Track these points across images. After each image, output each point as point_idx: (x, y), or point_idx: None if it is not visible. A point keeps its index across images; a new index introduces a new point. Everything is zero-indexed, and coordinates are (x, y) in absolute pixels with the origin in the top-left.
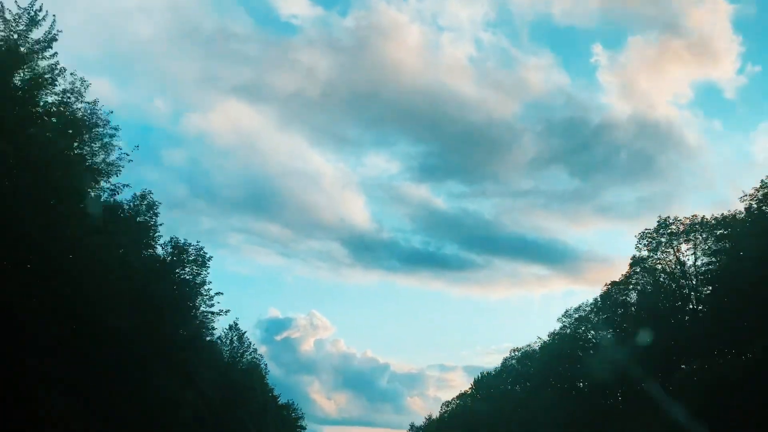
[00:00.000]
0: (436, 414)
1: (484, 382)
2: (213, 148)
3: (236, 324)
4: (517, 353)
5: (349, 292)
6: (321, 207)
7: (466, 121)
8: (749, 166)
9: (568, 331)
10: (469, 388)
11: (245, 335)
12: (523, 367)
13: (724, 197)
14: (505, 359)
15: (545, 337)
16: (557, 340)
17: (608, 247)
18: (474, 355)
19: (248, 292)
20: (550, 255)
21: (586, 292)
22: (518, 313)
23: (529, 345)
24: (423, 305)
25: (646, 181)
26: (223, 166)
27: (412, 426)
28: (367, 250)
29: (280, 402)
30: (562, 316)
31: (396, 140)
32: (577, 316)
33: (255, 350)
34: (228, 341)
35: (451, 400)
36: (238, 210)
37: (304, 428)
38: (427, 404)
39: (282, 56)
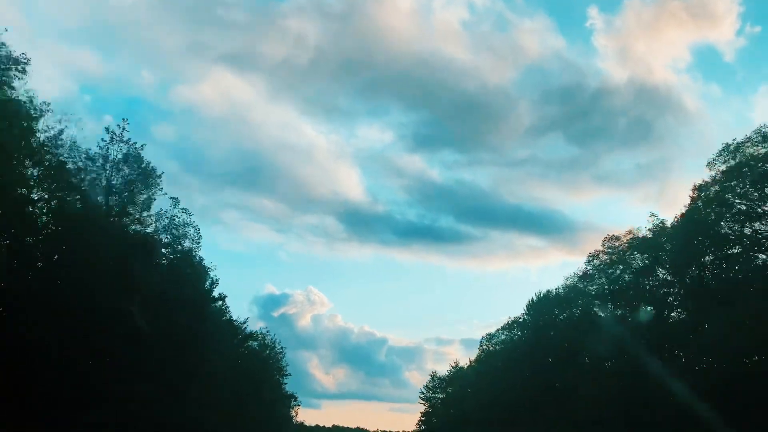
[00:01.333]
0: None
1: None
2: (203, 121)
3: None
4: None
5: (345, 267)
6: (315, 180)
7: (461, 88)
8: (749, 131)
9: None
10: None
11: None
12: None
13: None
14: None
15: None
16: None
17: (606, 216)
18: (471, 329)
19: (244, 269)
20: (546, 226)
21: (583, 263)
22: (515, 285)
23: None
24: (419, 279)
25: (645, 148)
26: (214, 140)
27: (433, 376)
28: (362, 224)
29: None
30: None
31: (389, 109)
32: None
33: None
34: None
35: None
36: (231, 185)
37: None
38: (425, 377)
39: (270, 23)
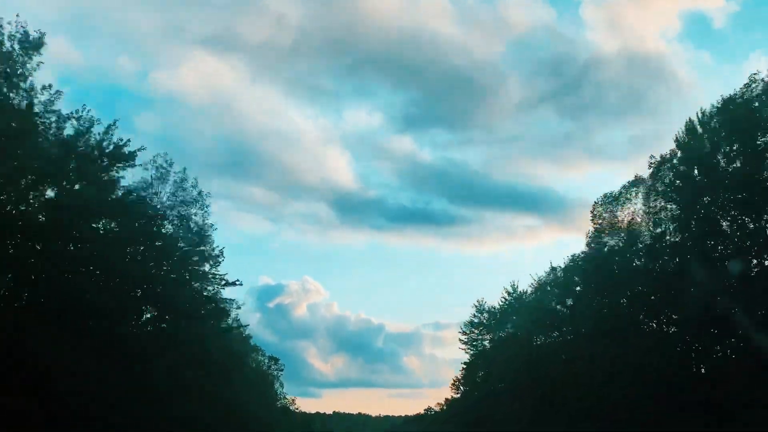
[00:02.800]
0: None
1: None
2: (185, 109)
3: None
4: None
5: (339, 254)
6: (304, 167)
7: (448, 65)
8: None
9: None
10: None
11: None
12: None
13: None
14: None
15: None
16: None
17: (599, 192)
18: (469, 312)
19: (237, 260)
20: (540, 204)
21: (577, 241)
22: (510, 266)
23: None
24: (414, 263)
25: (637, 120)
26: (199, 128)
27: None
28: (353, 210)
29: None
30: None
31: (376, 89)
32: None
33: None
34: None
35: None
36: (218, 175)
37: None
38: (424, 363)
39: (250, 2)
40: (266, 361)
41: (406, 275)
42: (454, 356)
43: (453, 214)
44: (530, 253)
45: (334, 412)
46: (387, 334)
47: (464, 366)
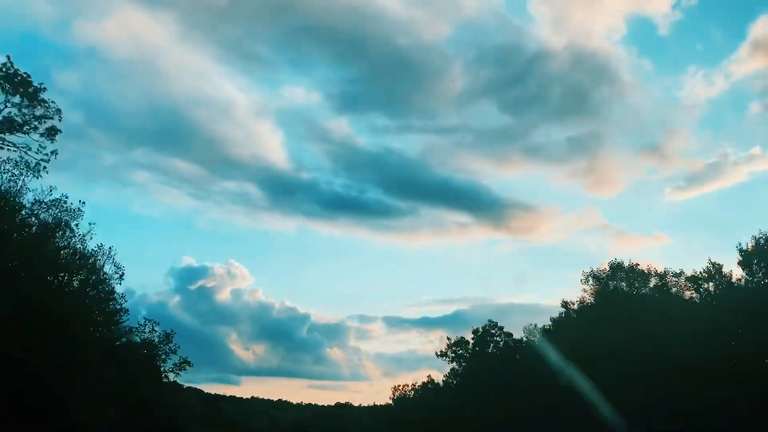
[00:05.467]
0: None
1: None
2: (109, 65)
3: None
4: None
5: (267, 238)
6: (234, 142)
7: (393, 44)
8: (677, 110)
9: None
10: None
11: None
12: None
13: (653, 141)
14: None
15: None
16: None
17: (533, 193)
18: (395, 307)
19: (159, 237)
20: (474, 201)
21: (507, 241)
22: (440, 263)
23: None
24: (344, 254)
25: (578, 120)
26: (122, 89)
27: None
28: (285, 193)
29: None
30: None
31: (315, 62)
32: None
33: None
34: None
35: None
36: (142, 143)
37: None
38: (347, 355)
39: None
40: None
41: (336, 265)
42: (378, 350)
43: (387, 205)
44: (461, 251)
45: (252, 396)
46: (312, 324)
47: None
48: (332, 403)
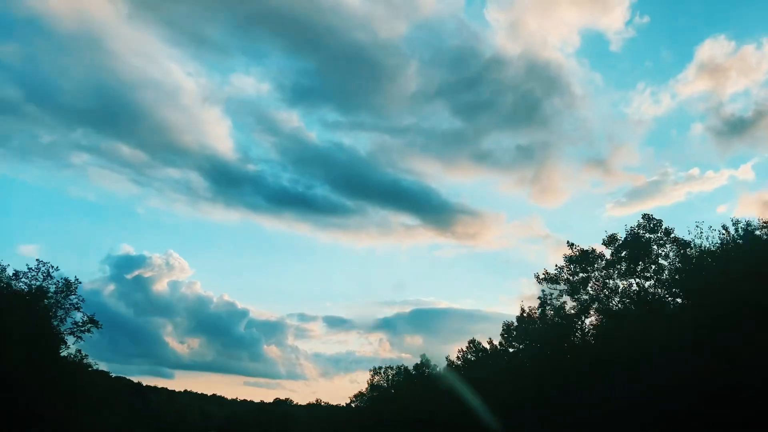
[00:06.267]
0: None
1: None
2: (52, 40)
3: None
4: None
5: (209, 229)
6: (180, 128)
7: (349, 38)
8: (624, 125)
9: None
10: None
11: None
12: None
13: (599, 155)
14: None
15: None
16: None
17: (480, 199)
18: (336, 307)
19: (96, 222)
20: (421, 204)
21: (451, 246)
22: (384, 264)
23: None
24: (287, 250)
25: (528, 128)
26: (64, 65)
27: None
28: (229, 184)
29: None
30: None
31: (268, 50)
32: None
33: None
34: None
35: None
36: (83, 123)
37: None
38: (285, 353)
39: None
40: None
41: (278, 261)
42: (317, 350)
43: (334, 202)
44: (406, 253)
45: (185, 390)
46: (250, 320)
47: None
48: (269, 400)
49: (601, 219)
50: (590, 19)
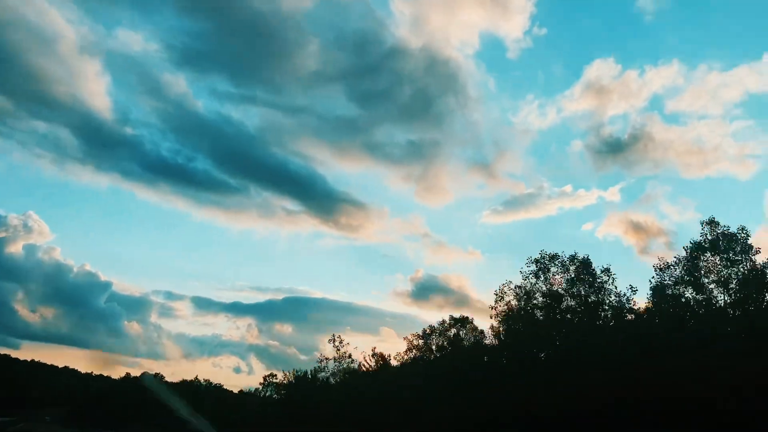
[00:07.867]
0: None
1: None
2: None
3: None
4: None
5: (75, 193)
6: (52, 78)
7: (249, 5)
8: (511, 133)
9: None
10: None
11: None
12: None
13: (485, 159)
14: None
15: None
16: None
17: (366, 191)
18: (206, 288)
19: None
20: (306, 190)
21: (333, 236)
22: (260, 248)
23: None
24: (160, 223)
25: (421, 124)
26: None
27: None
28: (103, 146)
29: None
30: None
31: (158, 6)
32: None
33: None
34: None
35: None
36: None
37: None
38: (147, 331)
39: None
40: None
41: (148, 234)
42: (181, 330)
43: (216, 178)
44: (285, 239)
45: (32, 360)
46: (112, 294)
47: None
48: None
49: (478, 225)
50: (492, 22)
